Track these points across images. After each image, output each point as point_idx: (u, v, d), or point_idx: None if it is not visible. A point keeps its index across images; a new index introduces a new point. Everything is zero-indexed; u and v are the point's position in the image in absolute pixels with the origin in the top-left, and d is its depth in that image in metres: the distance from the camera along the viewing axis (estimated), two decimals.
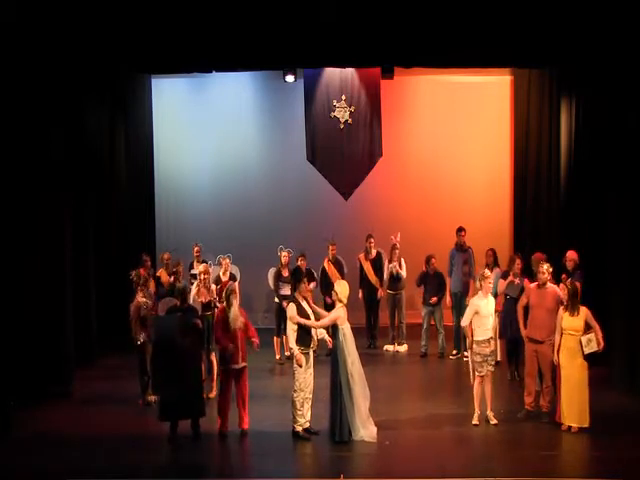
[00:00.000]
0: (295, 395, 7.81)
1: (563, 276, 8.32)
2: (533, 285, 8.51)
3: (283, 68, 11.48)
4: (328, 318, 7.90)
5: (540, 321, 8.27)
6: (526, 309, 8.49)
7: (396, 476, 6.95)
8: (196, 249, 11.18)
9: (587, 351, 7.83)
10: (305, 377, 7.82)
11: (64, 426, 8.36)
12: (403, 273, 11.41)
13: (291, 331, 7.82)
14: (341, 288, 7.97)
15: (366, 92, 12.21)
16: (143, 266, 10.49)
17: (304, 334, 7.81)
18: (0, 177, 9.00)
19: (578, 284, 8.31)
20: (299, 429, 7.83)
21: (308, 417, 7.91)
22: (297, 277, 8.50)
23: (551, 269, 8.43)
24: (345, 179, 12.35)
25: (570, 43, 9.16)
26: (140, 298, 8.99)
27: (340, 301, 7.89)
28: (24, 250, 9.17)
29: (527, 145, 12.61)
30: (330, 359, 7.91)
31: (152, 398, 8.86)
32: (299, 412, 7.81)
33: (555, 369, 8.12)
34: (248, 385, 8.06)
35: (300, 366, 7.72)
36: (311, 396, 7.89)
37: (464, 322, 8.27)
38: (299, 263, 11.06)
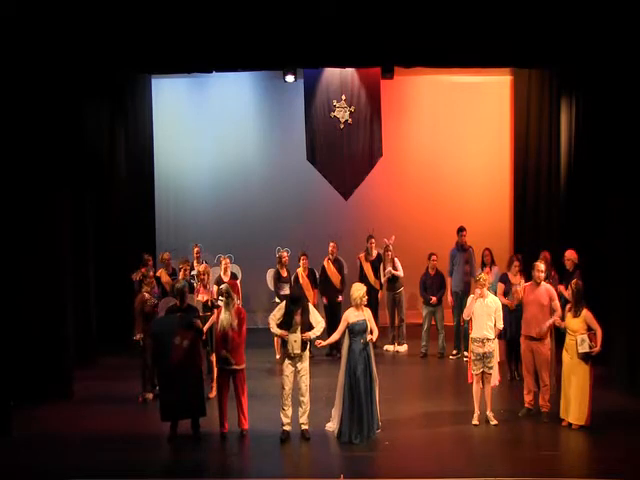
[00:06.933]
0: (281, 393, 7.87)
1: (574, 281, 8.38)
2: (527, 284, 8.55)
3: (283, 68, 11.46)
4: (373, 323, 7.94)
5: (534, 318, 8.30)
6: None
7: (396, 476, 6.94)
8: (196, 249, 11.21)
9: (580, 350, 7.85)
10: (287, 375, 7.80)
11: (64, 426, 8.36)
12: (400, 273, 11.38)
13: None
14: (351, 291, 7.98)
15: (366, 92, 12.19)
16: (145, 266, 10.50)
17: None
18: (0, 177, 9.01)
19: (580, 283, 8.30)
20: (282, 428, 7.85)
21: (305, 420, 7.86)
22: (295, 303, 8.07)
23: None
24: (345, 179, 12.32)
25: (570, 43, 9.16)
26: (145, 293, 9.07)
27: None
28: (24, 250, 9.15)
29: (527, 145, 12.62)
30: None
31: (150, 395, 8.98)
32: (281, 410, 7.84)
33: (552, 367, 8.16)
34: (247, 386, 8.02)
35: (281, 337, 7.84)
36: (304, 398, 7.84)
37: (465, 314, 8.37)
38: (302, 262, 11.03)
